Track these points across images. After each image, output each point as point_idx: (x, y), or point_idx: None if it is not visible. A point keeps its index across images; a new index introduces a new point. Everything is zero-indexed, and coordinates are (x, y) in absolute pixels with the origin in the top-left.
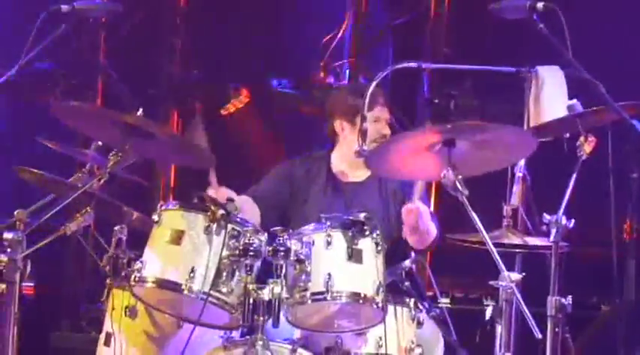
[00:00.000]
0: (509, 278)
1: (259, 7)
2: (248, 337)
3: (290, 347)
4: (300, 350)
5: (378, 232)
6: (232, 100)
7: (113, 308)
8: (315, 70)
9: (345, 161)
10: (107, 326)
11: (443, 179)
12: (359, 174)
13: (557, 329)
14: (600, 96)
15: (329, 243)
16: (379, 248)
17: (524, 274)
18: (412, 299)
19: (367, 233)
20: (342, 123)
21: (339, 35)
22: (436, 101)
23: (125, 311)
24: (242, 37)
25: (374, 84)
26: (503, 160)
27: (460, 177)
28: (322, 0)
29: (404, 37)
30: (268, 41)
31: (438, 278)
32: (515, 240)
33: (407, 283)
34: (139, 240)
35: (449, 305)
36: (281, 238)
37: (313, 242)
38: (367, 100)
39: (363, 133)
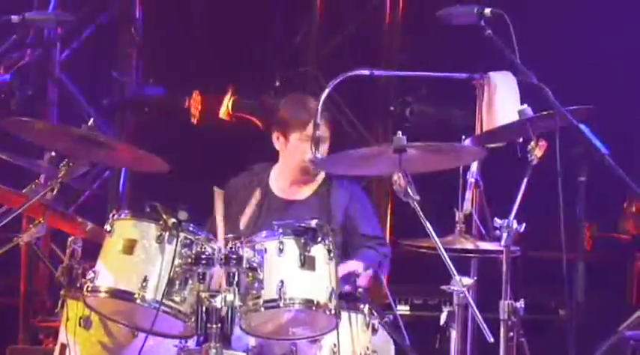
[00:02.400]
0: (461, 283)
1: (217, 16)
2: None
3: None
4: None
5: (330, 239)
6: (192, 106)
7: (68, 319)
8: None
9: (281, 177)
10: (62, 337)
11: (394, 185)
12: (297, 191)
13: (511, 333)
14: (547, 101)
15: (281, 251)
16: (331, 255)
17: (475, 278)
18: (366, 306)
19: (319, 240)
20: (279, 137)
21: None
22: (392, 108)
23: (79, 322)
24: (200, 46)
25: (326, 91)
26: (453, 162)
27: (412, 184)
28: (281, 9)
29: (362, 45)
30: (226, 50)
31: (396, 285)
32: (468, 245)
33: (360, 290)
34: (94, 251)
35: (408, 312)
36: (233, 246)
37: (266, 249)
38: (319, 109)
39: (315, 141)
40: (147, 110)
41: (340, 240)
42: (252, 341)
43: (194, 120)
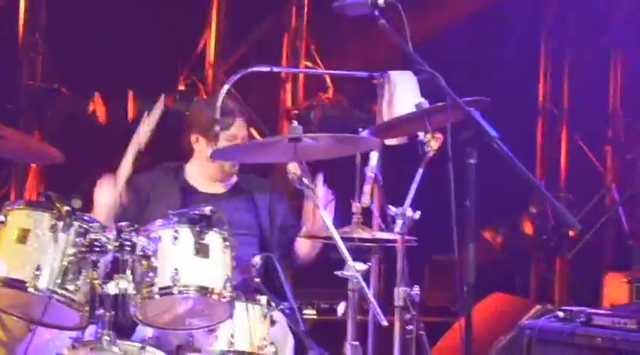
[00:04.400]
0: (355, 268)
1: (121, 19)
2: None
3: (139, 345)
4: (150, 348)
5: (225, 227)
6: (96, 108)
7: None
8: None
9: (201, 174)
10: None
11: (289, 174)
12: (216, 187)
13: (411, 327)
14: (440, 89)
15: (176, 239)
16: (227, 243)
17: (370, 264)
18: (265, 297)
19: (214, 227)
20: (198, 138)
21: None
22: (296, 112)
23: None
24: (104, 49)
25: (226, 87)
26: (348, 151)
27: (307, 173)
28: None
29: (269, 50)
30: (129, 54)
31: (303, 289)
32: (365, 235)
33: (257, 280)
34: None
35: (314, 316)
36: (127, 234)
37: (160, 238)
38: (219, 110)
39: (214, 136)
40: (51, 114)
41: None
42: (149, 332)
43: (100, 122)
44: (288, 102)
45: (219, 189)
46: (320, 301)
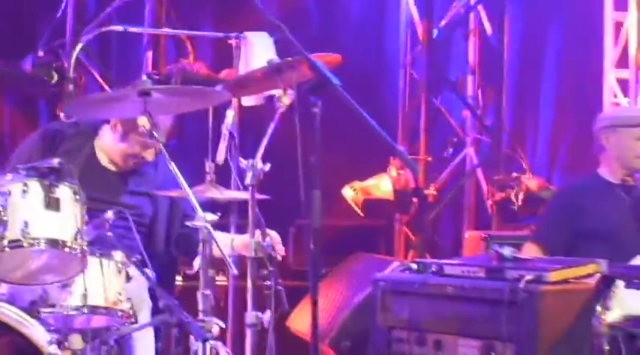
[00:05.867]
0: (204, 218)
1: None
2: None
3: None
4: (2, 304)
5: (75, 181)
6: None
7: None
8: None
9: (105, 150)
10: None
11: (139, 128)
12: (114, 166)
13: (269, 282)
14: (287, 40)
15: (25, 192)
16: (77, 196)
17: (219, 214)
18: (119, 252)
19: (64, 180)
20: (118, 124)
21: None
22: (157, 77)
23: None
24: None
25: (79, 46)
26: (199, 105)
27: (157, 127)
28: None
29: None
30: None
31: None
32: (217, 194)
33: (110, 234)
34: None
35: (181, 283)
36: None
37: (10, 192)
38: (72, 63)
39: (68, 96)
40: None
41: None
42: (2, 288)
43: None
44: (149, 68)
45: (116, 168)
46: (186, 268)
